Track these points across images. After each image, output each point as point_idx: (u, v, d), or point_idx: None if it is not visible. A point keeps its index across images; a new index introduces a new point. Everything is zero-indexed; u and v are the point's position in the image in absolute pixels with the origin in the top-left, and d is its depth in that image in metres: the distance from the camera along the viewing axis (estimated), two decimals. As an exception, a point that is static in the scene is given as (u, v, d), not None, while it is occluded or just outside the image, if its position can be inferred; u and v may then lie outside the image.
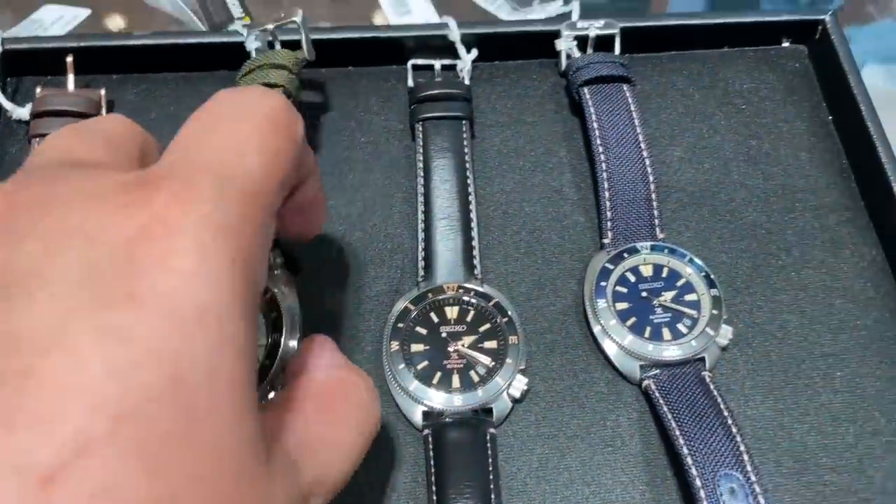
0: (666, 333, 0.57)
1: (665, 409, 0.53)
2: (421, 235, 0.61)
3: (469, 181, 0.63)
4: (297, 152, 0.37)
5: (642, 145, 0.64)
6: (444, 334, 0.56)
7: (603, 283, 0.58)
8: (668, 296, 0.58)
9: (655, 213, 0.62)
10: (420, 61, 0.70)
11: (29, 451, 0.24)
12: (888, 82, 0.85)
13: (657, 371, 0.56)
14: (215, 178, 0.32)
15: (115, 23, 0.79)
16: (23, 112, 0.63)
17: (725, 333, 0.57)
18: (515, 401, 0.55)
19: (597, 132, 0.64)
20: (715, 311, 0.57)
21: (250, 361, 0.31)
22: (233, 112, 0.36)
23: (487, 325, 0.57)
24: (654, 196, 0.63)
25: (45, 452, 0.24)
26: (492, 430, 0.53)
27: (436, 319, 0.57)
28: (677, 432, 0.52)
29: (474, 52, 0.69)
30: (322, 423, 0.39)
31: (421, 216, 0.61)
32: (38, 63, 0.66)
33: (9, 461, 0.24)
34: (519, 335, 0.56)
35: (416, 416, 0.54)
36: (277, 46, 0.65)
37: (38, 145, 0.36)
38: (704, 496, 0.49)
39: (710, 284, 0.58)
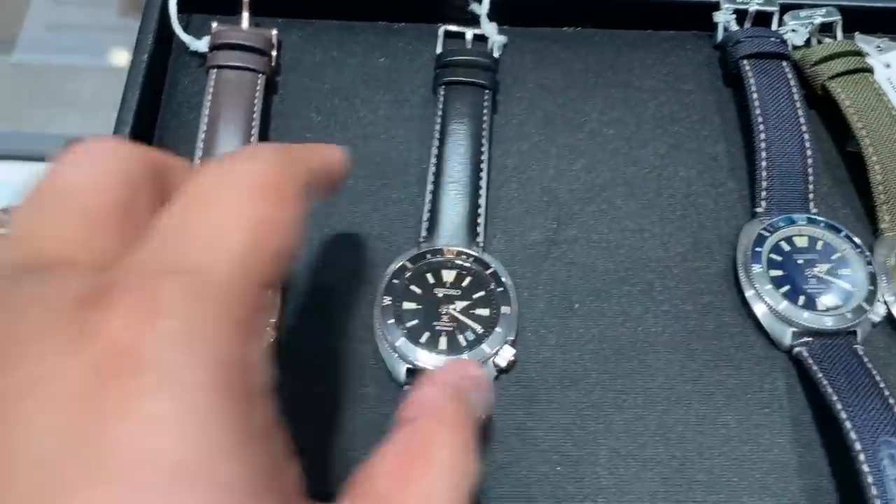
0: (819, 304, 0.54)
1: (820, 375, 0.52)
2: (428, 197, 0.58)
3: (484, 149, 0.59)
4: (295, 210, 0.32)
5: (801, 120, 0.61)
6: (439, 295, 0.54)
7: (758, 249, 0.56)
8: (822, 268, 0.56)
9: (811, 186, 0.60)
10: (453, 28, 0.66)
11: None
12: None
13: (810, 339, 0.54)
14: (183, 277, 0.27)
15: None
16: (200, 44, 0.66)
17: (878, 310, 0.55)
18: (501, 370, 0.52)
19: (756, 104, 0.61)
20: (871, 287, 0.55)
21: (258, 496, 0.25)
22: (212, 188, 0.30)
23: (482, 293, 0.54)
24: (810, 171, 0.60)
25: None
26: (475, 395, 0.51)
27: (431, 280, 0.54)
28: (835, 398, 0.50)
29: (503, 38, 0.65)
30: (407, 498, 0.32)
31: (431, 177, 0.58)
32: (211, 1, 0.69)
33: None
34: (512, 306, 0.53)
35: (400, 373, 0.52)
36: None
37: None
38: (865, 460, 0.47)
39: (867, 261, 0.56)
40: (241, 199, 0.30)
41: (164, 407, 0.24)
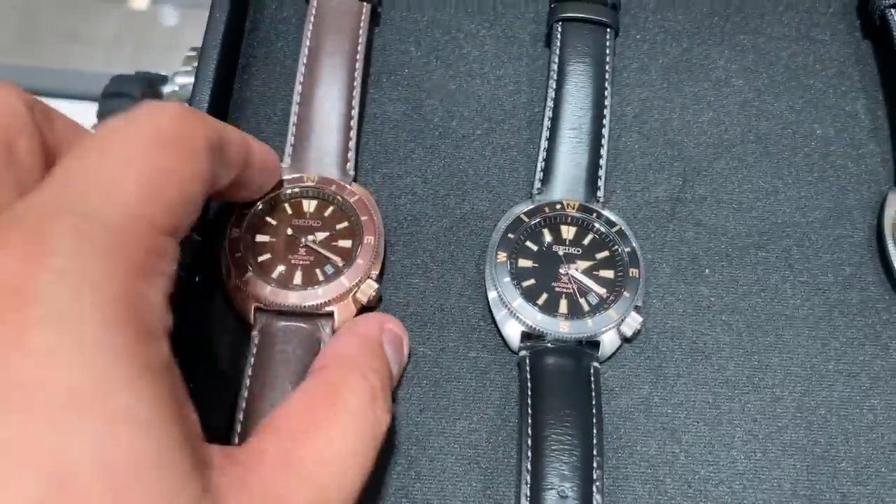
0: None
1: None
2: (543, 144, 0.53)
3: (606, 94, 0.54)
4: (198, 164, 0.34)
5: None
6: (559, 253, 0.50)
7: None
8: None
9: None
10: None
11: None
12: None
13: None
14: (74, 218, 0.28)
15: None
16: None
17: None
18: (625, 340, 0.48)
19: None
20: None
21: (160, 426, 0.26)
22: (111, 138, 0.32)
23: (606, 253, 0.49)
24: None
25: None
26: (595, 365, 0.47)
27: (549, 237, 0.50)
28: None
29: None
30: (311, 438, 0.35)
31: (547, 122, 0.53)
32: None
33: None
34: (640, 269, 0.49)
35: (514, 336, 0.48)
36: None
37: None
38: None
39: None
40: (137, 150, 0.31)
41: (53, 340, 0.25)
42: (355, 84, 0.54)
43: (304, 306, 0.47)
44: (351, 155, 0.52)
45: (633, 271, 0.49)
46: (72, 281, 0.26)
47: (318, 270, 0.49)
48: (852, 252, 0.52)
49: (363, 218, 0.50)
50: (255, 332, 0.47)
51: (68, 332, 0.25)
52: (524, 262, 0.49)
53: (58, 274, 0.26)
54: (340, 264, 0.49)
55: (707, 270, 0.51)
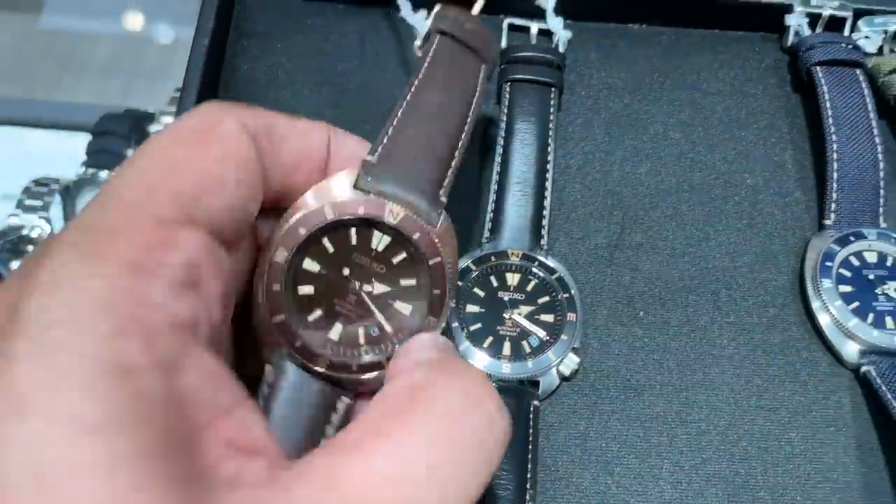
0: (889, 322, 0.54)
1: (889, 396, 0.51)
2: (492, 197, 0.57)
3: (550, 150, 0.58)
4: (226, 147, 0.32)
5: (875, 131, 0.60)
6: (504, 299, 0.53)
7: (828, 264, 0.55)
8: (892, 285, 0.55)
9: (881, 200, 0.59)
10: (518, 21, 0.65)
11: None
12: None
13: (877, 358, 0.53)
14: (74, 230, 0.28)
15: None
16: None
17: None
18: (564, 378, 0.52)
19: (829, 112, 0.60)
20: None
21: (117, 430, 0.24)
22: (143, 150, 0.31)
23: (547, 298, 0.53)
24: (881, 184, 0.59)
25: None
26: (535, 403, 0.51)
27: (495, 283, 0.54)
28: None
29: (568, 33, 0.64)
30: (368, 452, 0.28)
31: (495, 177, 0.57)
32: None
33: None
34: (577, 313, 0.53)
35: None
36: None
37: None
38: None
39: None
40: (154, 152, 0.31)
41: (16, 344, 0.24)
42: None
43: None
44: None
45: (570, 315, 0.53)
46: (46, 285, 0.25)
47: None
48: (776, 294, 0.56)
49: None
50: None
51: (32, 335, 0.24)
52: (472, 308, 0.53)
53: (36, 281, 0.26)
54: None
55: (641, 313, 0.55)
